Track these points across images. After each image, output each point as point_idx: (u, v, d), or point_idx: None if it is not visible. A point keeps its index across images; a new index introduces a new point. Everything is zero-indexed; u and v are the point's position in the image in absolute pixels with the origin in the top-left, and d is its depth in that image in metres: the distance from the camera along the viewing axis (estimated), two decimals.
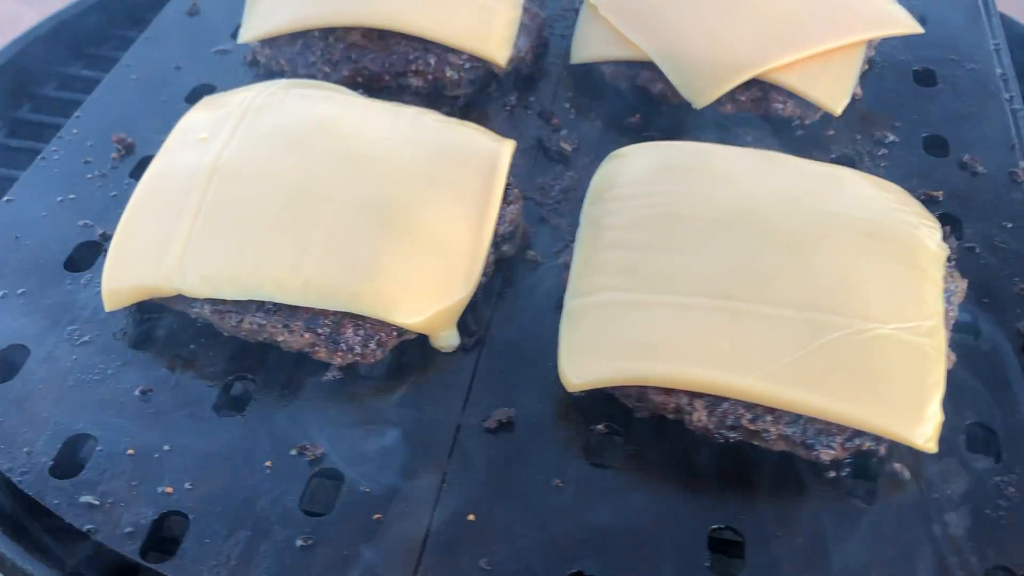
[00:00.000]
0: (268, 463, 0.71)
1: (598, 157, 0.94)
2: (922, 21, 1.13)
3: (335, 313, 0.76)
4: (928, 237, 0.79)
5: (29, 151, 1.01)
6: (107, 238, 0.86)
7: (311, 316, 0.75)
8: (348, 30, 1.02)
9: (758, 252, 0.76)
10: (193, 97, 1.02)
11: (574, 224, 0.87)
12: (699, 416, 0.70)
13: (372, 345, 0.76)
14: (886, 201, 0.82)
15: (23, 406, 0.74)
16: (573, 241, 0.84)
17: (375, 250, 0.77)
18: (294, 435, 0.72)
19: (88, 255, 0.86)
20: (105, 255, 0.83)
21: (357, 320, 0.76)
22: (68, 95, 1.13)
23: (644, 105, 1.00)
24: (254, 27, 1.04)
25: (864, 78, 1.04)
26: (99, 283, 0.81)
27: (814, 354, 0.71)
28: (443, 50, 1.01)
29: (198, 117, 0.90)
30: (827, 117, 0.98)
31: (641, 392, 0.72)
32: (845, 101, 0.97)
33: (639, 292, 0.75)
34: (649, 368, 0.71)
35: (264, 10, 1.04)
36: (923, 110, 1.02)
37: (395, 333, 0.77)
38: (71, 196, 0.90)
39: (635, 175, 0.84)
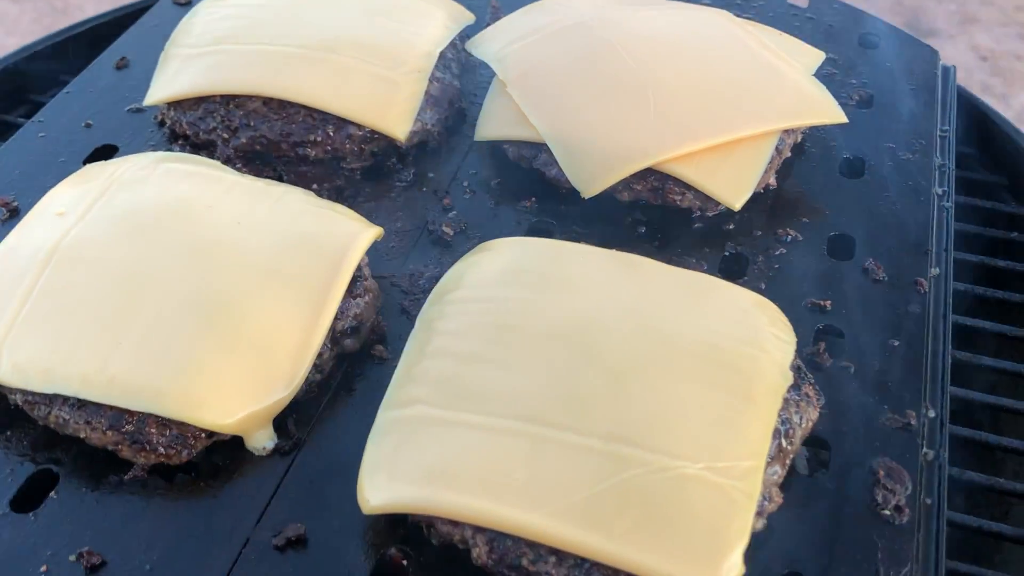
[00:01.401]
0: (43, 568, 0.69)
1: (481, 242, 0.91)
2: (867, 103, 1.08)
3: (135, 413, 0.74)
4: (772, 364, 0.74)
5: None
6: None
7: (115, 413, 0.74)
8: (249, 98, 1.00)
9: (580, 373, 0.72)
10: (93, 158, 1.01)
11: None
12: (479, 552, 0.67)
13: (178, 446, 0.74)
14: (741, 320, 0.78)
15: None
16: None
17: (189, 347, 0.75)
18: (79, 539, 0.71)
19: None
20: None
21: (163, 419, 0.74)
22: None
23: (540, 189, 0.97)
24: (160, 89, 1.03)
25: (788, 164, 0.99)
26: None
27: (610, 491, 0.67)
28: (342, 121, 0.99)
29: (66, 190, 0.89)
30: (729, 210, 0.94)
31: (430, 520, 0.69)
32: (745, 197, 0.92)
33: (449, 409, 0.72)
34: (436, 497, 0.68)
35: (171, 73, 1.03)
36: (839, 205, 0.97)
37: (203, 435, 0.75)
38: None
39: (483, 276, 0.81)
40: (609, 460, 0.68)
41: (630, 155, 0.92)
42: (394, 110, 0.99)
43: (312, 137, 0.99)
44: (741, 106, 0.95)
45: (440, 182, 1.00)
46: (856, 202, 0.97)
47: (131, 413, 0.74)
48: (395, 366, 0.80)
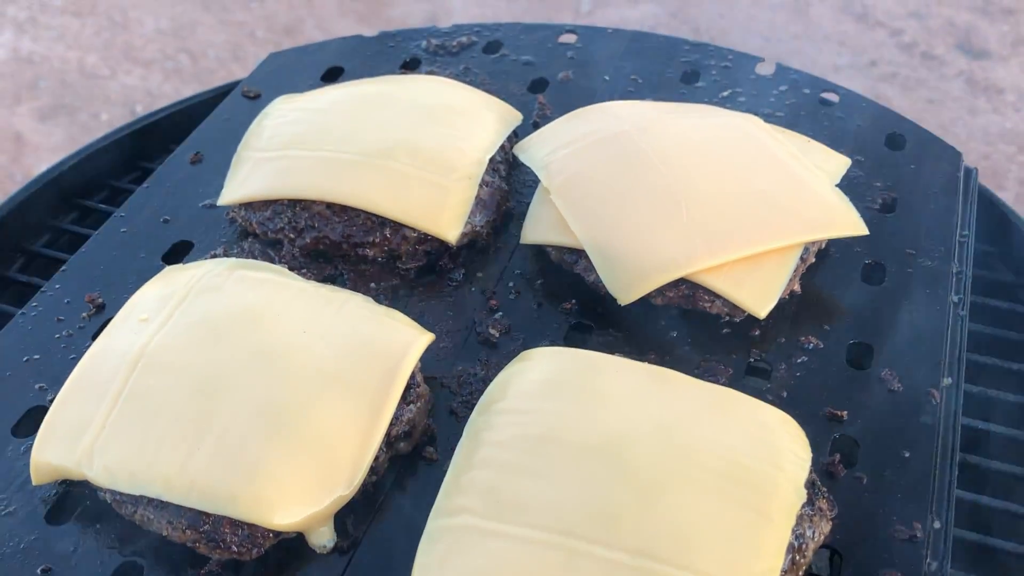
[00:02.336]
0: None
1: (525, 345, 0.99)
2: (890, 207, 1.14)
3: (208, 514, 0.83)
4: (788, 482, 0.81)
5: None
6: None
7: (194, 514, 0.83)
8: (313, 202, 1.09)
9: (612, 487, 0.79)
10: (170, 256, 1.10)
11: None
12: None
13: (248, 544, 0.82)
14: (764, 437, 0.84)
15: None
16: None
17: (258, 452, 0.83)
18: None
19: (34, 421, 0.95)
20: None
21: (236, 520, 0.82)
22: (55, 253, 1.23)
23: (580, 291, 1.04)
24: (232, 191, 1.12)
25: (812, 269, 1.06)
26: None
27: None
28: (398, 224, 1.07)
29: (148, 293, 0.98)
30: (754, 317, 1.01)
31: None
32: (769, 306, 0.99)
33: (493, 520, 0.79)
34: None
35: (242, 176, 1.13)
36: (859, 312, 1.03)
37: (271, 534, 0.83)
38: (36, 356, 1.00)
39: (525, 388, 0.89)
40: (636, 575, 0.75)
41: (664, 266, 0.99)
42: (446, 215, 1.07)
43: (371, 239, 1.08)
44: (769, 219, 1.02)
45: (488, 282, 1.07)
46: (875, 310, 1.03)
47: (207, 514, 0.83)
48: (444, 467, 0.88)
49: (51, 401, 0.94)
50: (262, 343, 0.91)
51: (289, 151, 1.13)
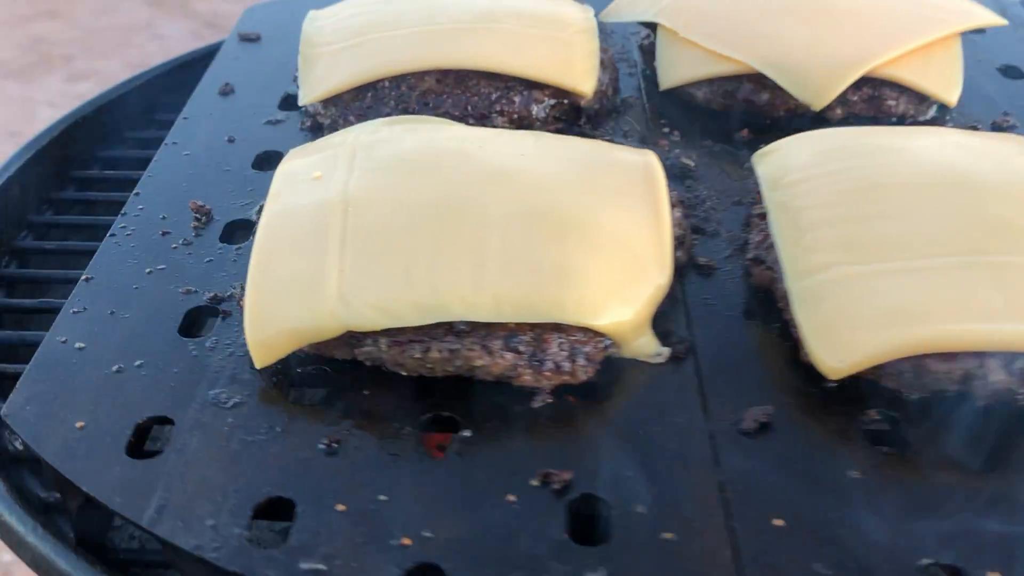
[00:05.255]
0: (511, 497, 0.58)
1: (723, 171, 0.88)
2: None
3: (532, 328, 0.65)
4: None
5: (82, 227, 0.94)
6: (219, 300, 0.74)
7: (508, 334, 0.65)
8: (421, 77, 0.94)
9: (972, 209, 0.69)
10: (260, 163, 0.92)
11: (733, 232, 0.80)
12: (997, 376, 0.61)
13: (581, 360, 0.65)
14: None
15: (185, 478, 0.60)
16: (738, 249, 0.77)
17: (556, 257, 0.67)
18: (528, 465, 0.60)
19: (203, 320, 0.74)
20: (224, 317, 0.73)
21: (559, 333, 0.65)
22: (112, 174, 1.05)
23: (746, 119, 0.95)
24: (316, 86, 0.95)
25: None
26: (227, 346, 0.70)
27: None
28: (526, 87, 0.94)
29: (299, 163, 0.80)
30: (935, 116, 0.94)
31: (918, 365, 0.63)
32: (958, 91, 0.94)
33: (871, 262, 0.67)
34: (933, 332, 0.62)
35: (324, 69, 0.96)
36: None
37: (601, 345, 0.66)
38: (160, 267, 0.78)
39: (807, 158, 0.78)
40: None
41: (852, 61, 0.91)
42: (577, 67, 0.95)
43: (498, 107, 0.93)
44: (924, 13, 0.96)
45: (642, 132, 0.95)
46: None
47: (523, 330, 0.65)
48: (722, 274, 0.75)
49: (212, 299, 0.74)
50: (488, 165, 0.74)
51: (370, 35, 0.97)
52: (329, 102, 0.95)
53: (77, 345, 0.70)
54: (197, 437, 0.63)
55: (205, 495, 0.59)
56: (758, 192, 0.79)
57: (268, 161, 0.92)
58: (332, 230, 0.70)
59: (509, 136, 0.80)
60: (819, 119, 0.92)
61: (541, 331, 0.65)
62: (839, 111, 0.93)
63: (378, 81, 0.94)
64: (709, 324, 0.72)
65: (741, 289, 0.75)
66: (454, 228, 0.69)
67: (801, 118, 0.92)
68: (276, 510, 0.59)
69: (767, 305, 0.72)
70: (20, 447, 0.71)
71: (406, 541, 0.56)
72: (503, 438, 0.63)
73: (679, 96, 0.98)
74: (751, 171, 0.82)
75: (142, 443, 0.64)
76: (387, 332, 0.65)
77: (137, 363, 0.69)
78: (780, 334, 0.70)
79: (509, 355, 0.64)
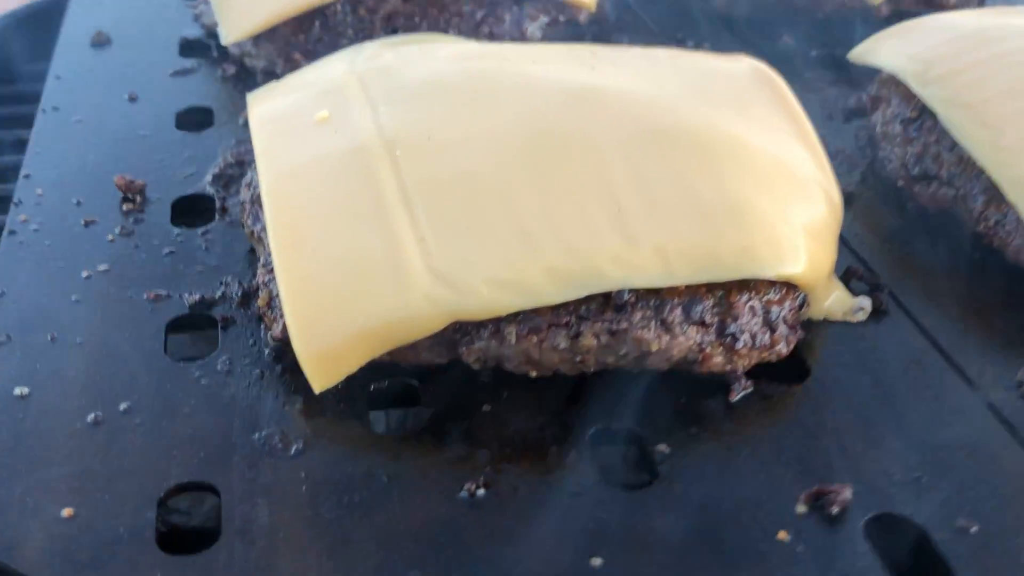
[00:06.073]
0: (781, 536, 0.40)
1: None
2: None
3: (711, 292, 0.46)
4: None
5: None
6: (210, 304, 0.52)
7: (683, 302, 0.46)
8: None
9: None
10: (185, 123, 0.69)
11: (844, 148, 0.64)
12: None
13: (781, 328, 0.47)
14: None
15: None
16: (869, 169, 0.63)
17: (719, 190, 0.48)
18: (779, 487, 0.42)
19: (195, 333, 0.51)
20: (225, 327, 0.50)
21: (747, 292, 0.47)
22: None
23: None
24: (242, 20, 0.73)
25: None
26: (248, 365, 0.48)
27: None
28: (514, 0, 0.74)
29: (280, 105, 0.58)
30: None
31: None
32: None
33: None
34: None
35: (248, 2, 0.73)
36: None
37: (797, 304, 0.48)
38: (102, 267, 0.55)
39: (947, 50, 0.63)
40: None
41: None
42: None
43: (485, 28, 0.76)
44: None
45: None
46: None
47: (703, 296, 0.46)
48: (864, 200, 0.61)
49: (197, 304, 0.52)
50: (566, 83, 0.55)
51: None
52: (262, 38, 0.73)
53: (16, 392, 0.46)
54: (263, 510, 0.41)
55: None
56: (869, 99, 0.63)
57: (194, 119, 0.69)
58: (386, 185, 0.48)
59: (554, 49, 0.61)
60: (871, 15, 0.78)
61: (721, 294, 0.46)
62: (883, 10, 0.79)
63: (327, 5, 0.72)
64: (896, 266, 0.55)
65: (896, 216, 0.58)
66: (562, 165, 0.49)
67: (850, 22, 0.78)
68: None
69: (948, 231, 0.56)
70: None
71: None
72: (720, 451, 0.44)
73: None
74: (821, 78, 0.67)
75: (177, 529, 0.41)
76: (513, 317, 0.45)
77: (122, 407, 0.45)
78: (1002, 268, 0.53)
79: (693, 330, 0.45)
